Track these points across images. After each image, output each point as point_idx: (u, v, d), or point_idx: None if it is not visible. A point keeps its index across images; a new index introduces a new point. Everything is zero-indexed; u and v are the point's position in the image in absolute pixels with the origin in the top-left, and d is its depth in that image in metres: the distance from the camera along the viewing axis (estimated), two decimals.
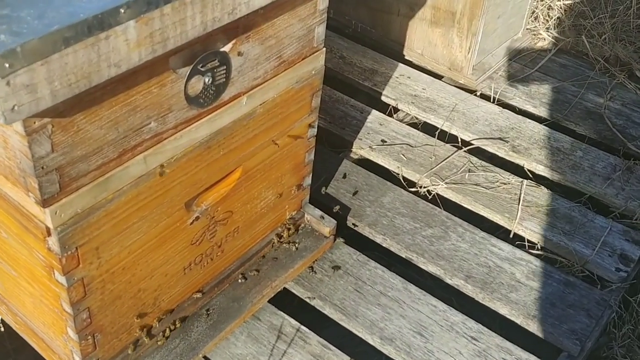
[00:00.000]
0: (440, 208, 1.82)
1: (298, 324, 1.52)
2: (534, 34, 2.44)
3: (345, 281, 1.61)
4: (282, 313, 1.54)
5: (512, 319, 1.58)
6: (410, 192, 1.87)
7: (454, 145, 2.00)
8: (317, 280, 1.61)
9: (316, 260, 1.65)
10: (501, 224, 1.81)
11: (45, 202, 1.02)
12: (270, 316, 1.53)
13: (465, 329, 1.53)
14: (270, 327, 1.51)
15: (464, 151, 1.98)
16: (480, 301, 1.62)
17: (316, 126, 1.53)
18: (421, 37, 2.26)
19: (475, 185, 1.87)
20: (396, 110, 2.16)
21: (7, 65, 0.82)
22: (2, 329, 1.52)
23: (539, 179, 1.94)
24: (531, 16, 2.46)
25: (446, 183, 1.88)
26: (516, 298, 1.60)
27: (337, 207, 1.76)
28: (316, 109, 1.50)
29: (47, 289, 1.20)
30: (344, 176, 1.76)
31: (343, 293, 1.59)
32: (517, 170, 1.97)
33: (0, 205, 1.13)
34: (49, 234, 1.07)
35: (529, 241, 1.77)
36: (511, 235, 1.79)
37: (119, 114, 1.05)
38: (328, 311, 1.56)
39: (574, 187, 1.92)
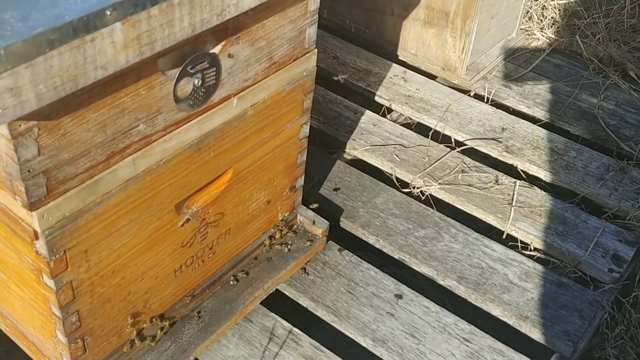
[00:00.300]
0: (434, 209, 1.81)
1: (290, 325, 1.52)
2: (528, 34, 2.44)
3: (338, 282, 1.61)
4: (274, 315, 1.54)
5: (505, 320, 1.58)
6: (404, 192, 1.86)
7: (447, 146, 2.00)
8: (310, 282, 1.61)
9: (309, 261, 1.65)
10: (494, 225, 1.80)
11: (32, 206, 1.02)
12: (262, 318, 1.53)
13: (458, 330, 1.53)
14: (262, 329, 1.51)
15: (458, 151, 1.98)
16: (473, 302, 1.61)
17: (308, 127, 1.53)
18: (415, 38, 2.26)
19: (469, 185, 1.87)
20: (390, 110, 2.15)
21: None
22: None
23: (532, 180, 1.94)
24: (525, 16, 2.45)
25: (439, 184, 1.87)
26: (509, 299, 1.59)
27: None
28: (308, 110, 1.49)
29: (36, 292, 1.19)
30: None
31: (335, 294, 1.58)
32: (510, 170, 1.97)
33: None
34: (37, 238, 1.06)
35: (521, 242, 1.76)
36: (504, 236, 1.79)
37: (107, 116, 1.05)
38: (320, 313, 1.56)
39: (567, 187, 1.92)
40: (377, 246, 1.73)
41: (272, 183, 1.52)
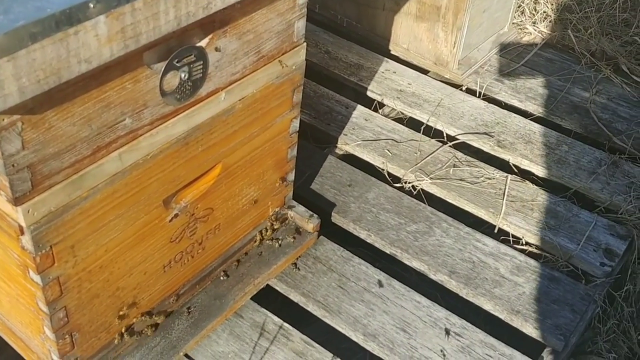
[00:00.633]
0: (425, 203, 1.81)
1: (281, 321, 1.51)
2: (520, 28, 2.43)
3: (329, 277, 1.60)
4: (264, 310, 1.53)
5: (496, 314, 1.57)
6: (395, 187, 1.86)
7: (439, 141, 1.99)
8: (301, 277, 1.60)
9: (300, 256, 1.64)
10: (486, 219, 1.80)
11: (17, 201, 1.01)
12: (252, 313, 1.52)
13: (449, 324, 1.52)
14: (253, 325, 1.50)
15: (449, 146, 1.97)
16: (464, 297, 1.61)
17: (298, 122, 1.52)
18: (407, 32, 2.25)
19: (460, 180, 1.87)
20: (382, 105, 2.15)
21: None
22: None
23: (524, 174, 1.93)
24: (517, 10, 2.45)
25: (431, 178, 1.87)
26: (500, 293, 1.59)
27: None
28: (298, 105, 1.49)
29: (23, 288, 1.18)
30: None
31: (326, 289, 1.58)
32: (502, 165, 1.96)
33: None
34: (22, 233, 1.05)
35: (513, 236, 1.76)
36: (496, 231, 1.78)
37: (92, 110, 1.04)
38: (311, 308, 1.55)
39: (559, 181, 1.92)
40: (368, 241, 1.73)
41: (262, 178, 1.51)
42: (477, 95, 2.18)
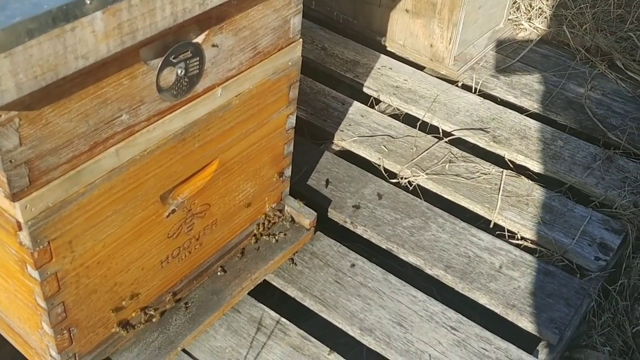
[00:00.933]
0: (421, 199, 1.82)
1: (278, 316, 1.52)
2: (516, 25, 2.44)
3: (326, 273, 1.61)
4: (261, 305, 1.54)
5: (492, 308, 1.58)
6: (392, 183, 1.87)
7: (435, 136, 2.00)
8: (298, 272, 1.61)
9: (296, 252, 1.65)
10: (481, 214, 1.81)
11: (14, 196, 1.01)
12: (250, 308, 1.53)
13: (445, 318, 1.53)
14: (250, 320, 1.51)
15: (445, 142, 1.98)
16: (460, 291, 1.62)
17: (295, 118, 1.53)
18: (403, 28, 2.26)
19: (456, 175, 1.88)
20: (378, 101, 2.16)
21: None
22: None
23: (519, 169, 1.94)
24: (513, 6, 2.46)
25: (427, 174, 1.88)
26: (495, 287, 1.60)
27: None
28: (294, 101, 1.49)
29: (21, 284, 1.19)
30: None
31: (323, 284, 1.59)
32: (498, 160, 1.97)
33: None
34: (20, 228, 1.06)
35: (509, 231, 1.77)
36: (491, 225, 1.79)
37: (89, 106, 1.04)
38: (308, 303, 1.56)
39: (554, 176, 1.93)
40: (365, 236, 1.74)
41: (258, 174, 1.52)
42: (473, 91, 2.19)
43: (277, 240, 1.62)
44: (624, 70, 2.28)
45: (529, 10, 2.48)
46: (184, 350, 1.43)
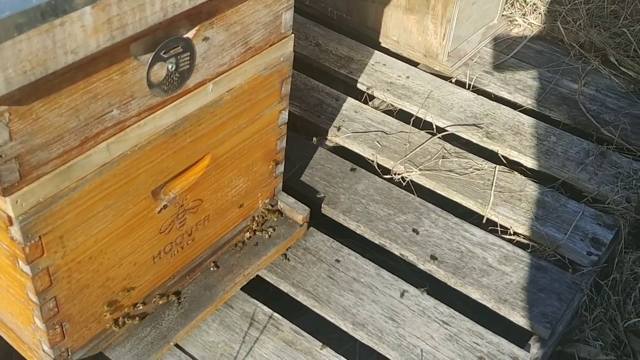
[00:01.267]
0: (414, 194, 1.82)
1: (271, 311, 1.52)
2: (510, 21, 2.44)
3: (319, 268, 1.62)
4: (254, 300, 1.54)
5: (484, 303, 1.59)
6: (385, 179, 1.87)
7: (428, 132, 2.00)
8: (291, 268, 1.62)
9: (289, 247, 1.65)
10: (474, 210, 1.82)
11: (5, 191, 1.02)
12: (242, 304, 1.53)
13: (437, 313, 1.54)
14: (243, 315, 1.51)
15: (439, 138, 1.98)
16: (452, 286, 1.62)
17: (287, 113, 1.53)
18: (396, 24, 2.26)
19: (449, 171, 1.88)
20: (372, 97, 2.16)
21: None
22: None
23: (513, 165, 1.95)
24: (507, 2, 2.46)
25: (420, 170, 1.88)
26: (487, 282, 1.61)
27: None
28: (286, 96, 1.49)
29: (13, 279, 1.19)
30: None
31: (316, 280, 1.59)
32: (491, 156, 1.98)
33: None
34: (11, 223, 1.06)
35: (501, 226, 1.78)
36: (484, 221, 1.80)
37: (79, 101, 1.04)
38: (301, 298, 1.57)
39: (548, 172, 1.93)
40: (358, 232, 1.74)
41: (251, 169, 1.52)
42: (467, 87, 2.19)
43: (270, 236, 1.62)
44: (618, 66, 2.29)
45: (523, 6, 2.49)
46: (176, 345, 1.44)
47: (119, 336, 1.39)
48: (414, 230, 1.66)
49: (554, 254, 1.72)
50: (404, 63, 2.25)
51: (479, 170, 1.89)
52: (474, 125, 2.04)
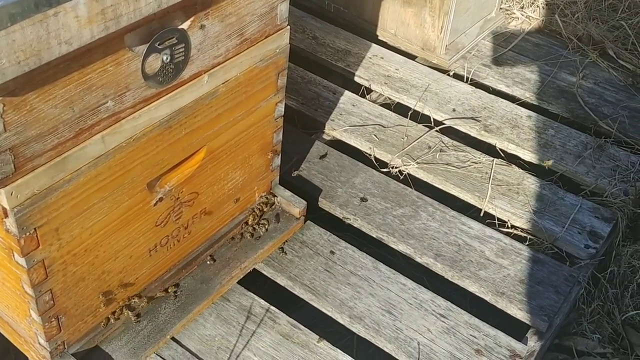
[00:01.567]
0: (412, 188, 1.82)
1: (267, 304, 1.52)
2: (508, 13, 2.44)
3: (316, 261, 1.61)
4: (251, 294, 1.54)
5: (481, 296, 1.59)
6: (382, 172, 1.87)
7: (426, 126, 2.00)
8: (287, 261, 1.61)
9: (286, 241, 1.65)
10: (472, 203, 1.81)
11: (0, 183, 1.01)
12: (239, 297, 1.53)
13: (434, 306, 1.54)
14: (240, 308, 1.51)
15: (436, 131, 1.98)
16: (450, 279, 1.62)
17: (283, 106, 1.52)
18: (394, 17, 2.25)
19: (447, 164, 1.88)
20: (369, 91, 2.15)
21: None
22: None
23: (510, 158, 1.94)
24: None
25: (417, 163, 1.87)
26: (485, 275, 1.60)
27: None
28: (282, 89, 1.49)
29: (9, 272, 1.19)
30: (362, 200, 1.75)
31: (313, 273, 1.59)
32: (489, 149, 1.97)
33: None
34: (6, 215, 1.06)
35: (499, 219, 1.77)
36: (482, 214, 1.79)
37: (74, 92, 1.04)
38: (298, 291, 1.56)
39: (545, 165, 1.93)
40: (355, 225, 1.74)
41: (247, 162, 1.52)
42: (465, 80, 2.19)
43: (266, 230, 1.62)
44: (616, 59, 2.28)
45: None
46: (173, 339, 1.43)
47: (115, 329, 1.39)
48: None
49: (551, 247, 1.71)
50: (401, 56, 2.24)
51: (476, 163, 1.89)
52: (472, 118, 2.03)
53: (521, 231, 1.76)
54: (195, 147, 1.33)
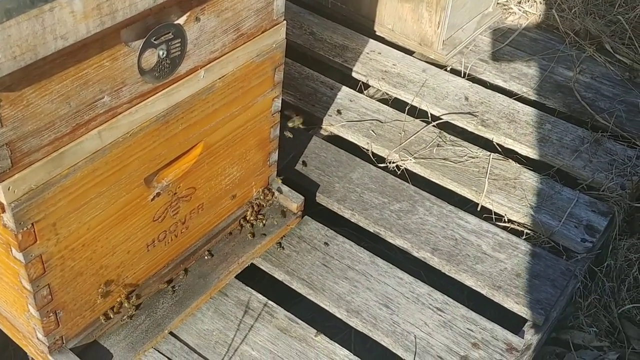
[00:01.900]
0: (409, 183, 1.82)
1: (265, 299, 1.53)
2: (505, 8, 2.44)
3: (313, 256, 1.62)
4: (249, 289, 1.55)
5: (478, 289, 1.59)
6: (379, 167, 1.87)
7: (423, 121, 2.00)
8: (285, 256, 1.62)
9: (284, 236, 1.65)
10: (469, 197, 1.82)
11: None
12: (237, 292, 1.54)
13: (431, 300, 1.54)
14: (238, 303, 1.52)
15: (433, 126, 1.98)
16: (447, 273, 1.63)
17: (280, 101, 1.53)
18: (391, 13, 2.25)
19: (444, 159, 1.88)
20: (367, 86, 2.16)
21: None
22: None
23: (507, 153, 1.95)
24: None
25: (415, 158, 1.88)
26: (482, 269, 1.61)
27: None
28: (279, 84, 1.49)
29: (7, 267, 1.19)
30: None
31: (311, 268, 1.59)
32: (486, 144, 1.98)
33: None
34: (3, 210, 1.06)
35: (496, 214, 1.78)
36: (479, 209, 1.80)
37: (70, 87, 1.04)
38: (295, 286, 1.57)
39: (542, 159, 1.93)
40: (352, 220, 1.74)
41: (245, 158, 1.52)
42: (462, 75, 2.19)
43: (264, 225, 1.62)
44: (613, 53, 2.28)
45: None
46: (171, 333, 1.44)
47: (114, 324, 1.39)
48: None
49: (548, 241, 1.72)
50: (399, 51, 2.24)
51: (473, 158, 1.89)
52: (469, 113, 2.03)
53: (518, 225, 1.76)
54: (192, 143, 1.34)
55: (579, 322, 1.64)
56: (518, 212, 1.76)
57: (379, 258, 1.63)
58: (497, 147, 1.97)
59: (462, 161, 1.88)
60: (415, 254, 1.67)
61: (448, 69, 2.21)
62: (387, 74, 2.15)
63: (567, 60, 2.26)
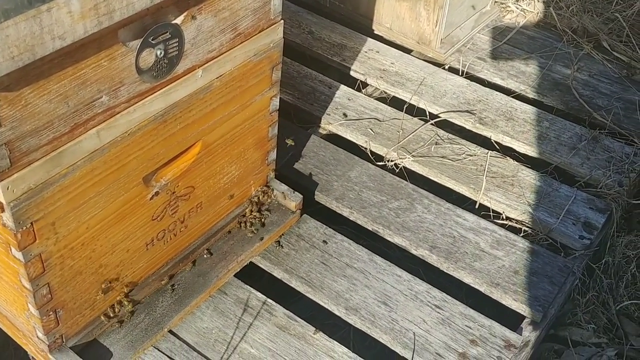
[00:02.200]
0: (407, 181, 1.83)
1: (264, 297, 1.53)
2: (503, 7, 2.44)
3: (312, 254, 1.63)
4: (248, 287, 1.55)
5: (476, 287, 1.60)
6: (378, 166, 1.88)
7: (421, 119, 2.01)
8: (284, 254, 1.62)
9: (283, 234, 1.66)
10: (467, 195, 1.82)
11: None
12: (236, 290, 1.54)
13: (430, 297, 1.55)
14: (237, 301, 1.52)
15: (431, 124, 1.99)
16: (445, 271, 1.63)
17: (278, 100, 1.53)
18: (389, 11, 2.26)
19: (442, 157, 1.89)
20: (365, 85, 2.16)
21: None
22: None
23: (505, 150, 1.95)
24: None
25: (413, 156, 1.89)
26: (480, 267, 1.62)
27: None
28: (277, 83, 1.50)
29: (6, 266, 1.20)
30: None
31: (309, 266, 1.60)
32: (484, 142, 1.98)
33: None
34: (3, 210, 1.07)
35: (494, 211, 1.78)
36: (477, 206, 1.81)
37: (69, 87, 1.05)
38: (294, 284, 1.58)
39: (540, 157, 1.94)
40: (351, 218, 1.75)
41: (243, 156, 1.53)
42: (460, 73, 2.19)
43: (263, 223, 1.63)
44: (610, 51, 2.29)
45: None
46: (170, 332, 1.45)
47: (113, 323, 1.40)
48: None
49: (546, 238, 1.73)
50: (397, 50, 2.25)
51: (471, 156, 1.90)
52: (467, 111, 2.04)
53: (516, 223, 1.77)
54: (191, 142, 1.34)
55: (577, 318, 1.65)
56: (516, 209, 1.77)
57: (377, 256, 1.63)
58: (495, 144, 1.98)
59: (460, 159, 1.88)
60: (413, 251, 1.67)
61: (446, 67, 2.22)
62: (385, 72, 2.16)
63: (564, 58, 2.27)
